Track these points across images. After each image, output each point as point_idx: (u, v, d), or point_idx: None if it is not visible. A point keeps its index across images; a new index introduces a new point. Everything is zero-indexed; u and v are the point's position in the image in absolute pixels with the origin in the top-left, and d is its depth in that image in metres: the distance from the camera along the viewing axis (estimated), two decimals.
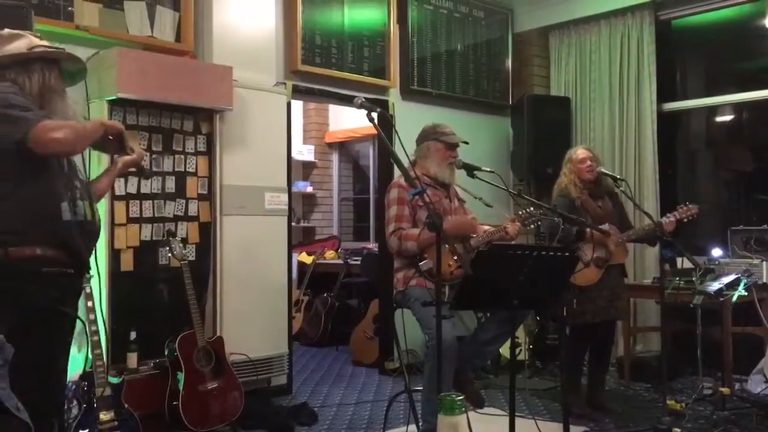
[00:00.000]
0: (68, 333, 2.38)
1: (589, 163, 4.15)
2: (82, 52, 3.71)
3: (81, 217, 2.34)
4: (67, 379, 2.52)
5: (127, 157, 2.58)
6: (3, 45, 2.40)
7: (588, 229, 3.93)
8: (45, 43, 2.46)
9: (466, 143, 3.71)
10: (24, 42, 2.39)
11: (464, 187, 3.82)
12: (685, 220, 4.02)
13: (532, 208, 3.63)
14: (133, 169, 2.68)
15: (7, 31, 2.44)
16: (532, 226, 3.69)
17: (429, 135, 3.70)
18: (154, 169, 3.84)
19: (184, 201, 4.07)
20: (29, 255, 2.20)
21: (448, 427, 1.08)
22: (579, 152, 4.22)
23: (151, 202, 3.89)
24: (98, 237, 2.48)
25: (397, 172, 3.77)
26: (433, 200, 3.45)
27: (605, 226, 3.94)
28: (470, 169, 3.60)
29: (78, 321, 2.49)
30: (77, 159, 2.50)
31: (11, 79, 2.34)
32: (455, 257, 3.45)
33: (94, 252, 2.48)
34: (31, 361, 2.04)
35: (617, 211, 4.31)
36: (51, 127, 2.19)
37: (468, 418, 1.57)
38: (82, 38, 3.79)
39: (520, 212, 3.65)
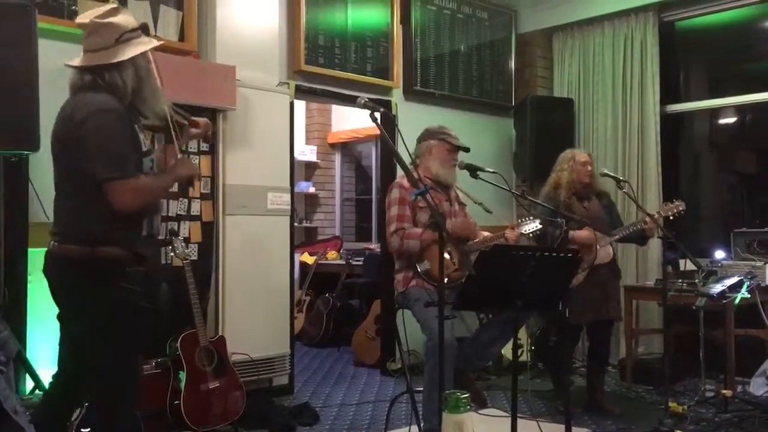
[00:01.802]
0: (146, 329, 2.54)
1: (589, 168, 4.19)
2: None
3: (154, 232, 2.52)
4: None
5: (194, 130, 2.74)
6: (90, 39, 2.42)
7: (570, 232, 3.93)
8: (129, 23, 2.45)
9: (468, 150, 3.71)
10: (110, 33, 2.40)
11: (465, 191, 3.82)
12: (671, 217, 4.02)
13: (531, 218, 3.64)
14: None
15: (90, 21, 2.42)
16: (531, 235, 3.69)
17: (434, 134, 3.70)
18: (155, 169, 3.84)
19: (186, 200, 4.08)
20: (114, 255, 2.35)
21: (453, 425, 1.07)
22: (582, 155, 4.25)
23: None
24: (160, 247, 2.65)
25: (399, 172, 3.77)
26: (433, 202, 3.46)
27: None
28: (473, 170, 3.59)
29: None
30: None
31: (104, 80, 2.39)
32: (454, 261, 3.45)
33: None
34: (123, 354, 2.40)
35: (608, 210, 4.31)
36: (128, 191, 2.31)
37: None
38: None
39: (519, 220, 3.66)
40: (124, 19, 2.45)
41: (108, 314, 2.37)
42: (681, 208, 4.02)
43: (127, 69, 2.42)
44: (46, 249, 2.49)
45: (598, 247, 4.02)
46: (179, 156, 2.72)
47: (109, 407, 2.46)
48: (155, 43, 2.53)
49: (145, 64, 2.47)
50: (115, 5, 2.50)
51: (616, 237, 4.16)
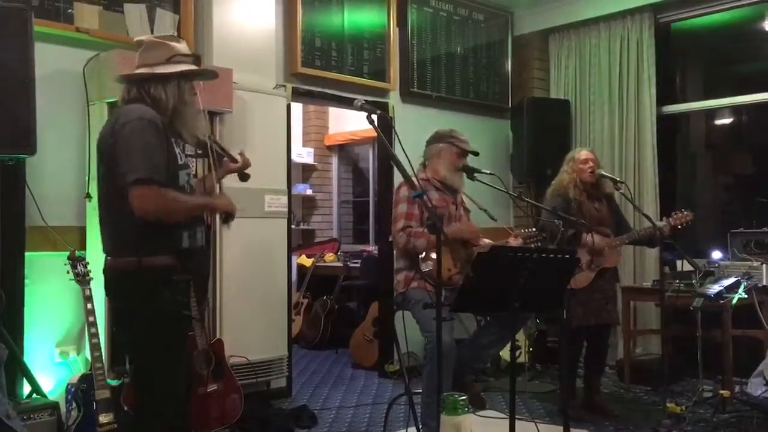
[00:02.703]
0: (187, 334, 2.68)
1: (590, 164, 4.16)
2: (81, 55, 3.74)
3: (197, 244, 2.56)
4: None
5: (232, 165, 2.86)
6: (144, 54, 2.54)
7: (584, 233, 3.93)
8: (183, 49, 2.58)
9: (477, 154, 3.72)
10: (162, 52, 2.52)
11: (471, 197, 3.83)
12: (679, 226, 4.02)
13: (534, 229, 3.65)
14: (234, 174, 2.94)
15: (148, 38, 2.59)
16: (533, 246, 3.69)
17: (443, 138, 3.71)
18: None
19: None
20: (158, 265, 2.41)
21: (451, 427, 1.07)
22: (582, 153, 4.24)
23: None
24: (210, 261, 2.75)
25: (397, 174, 3.77)
26: (440, 205, 3.47)
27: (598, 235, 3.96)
28: (470, 171, 3.61)
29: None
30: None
31: (149, 93, 2.49)
32: (456, 263, 3.45)
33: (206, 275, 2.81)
34: (166, 359, 2.46)
35: (614, 214, 4.32)
36: (148, 198, 2.33)
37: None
38: (82, 40, 3.79)
39: (523, 230, 3.67)
40: (180, 46, 2.58)
41: (153, 323, 2.44)
42: (689, 218, 4.02)
43: (170, 85, 2.51)
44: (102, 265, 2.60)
45: (608, 249, 4.02)
46: (216, 185, 2.90)
47: (146, 413, 2.51)
48: (203, 70, 2.66)
49: (189, 89, 2.57)
50: (175, 34, 2.68)
51: (627, 241, 4.17)
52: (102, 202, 2.54)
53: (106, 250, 2.51)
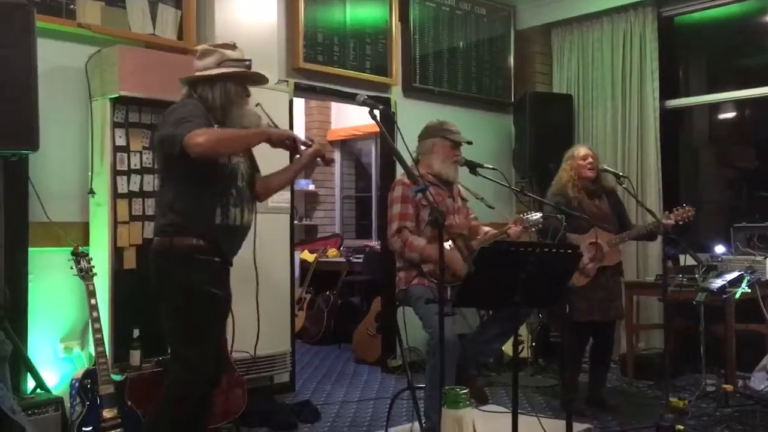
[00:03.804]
0: (219, 311, 2.81)
1: (590, 160, 4.16)
2: (84, 50, 3.74)
3: (230, 221, 2.75)
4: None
5: (309, 150, 2.93)
6: (195, 61, 2.84)
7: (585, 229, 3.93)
8: (233, 54, 2.83)
9: (470, 143, 3.70)
10: (214, 58, 2.80)
11: (467, 187, 3.81)
12: (681, 222, 4.02)
13: (533, 212, 3.63)
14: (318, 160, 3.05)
15: (202, 47, 2.89)
16: (533, 230, 3.68)
17: (435, 132, 3.67)
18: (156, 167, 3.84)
19: None
20: (188, 244, 2.67)
21: (453, 420, 1.08)
22: (581, 150, 4.23)
23: (153, 200, 3.89)
24: (244, 238, 2.91)
25: (399, 169, 3.76)
26: (436, 199, 3.46)
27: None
28: (473, 166, 3.59)
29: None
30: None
31: (198, 94, 2.77)
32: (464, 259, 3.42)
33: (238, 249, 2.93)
34: (194, 334, 2.69)
35: (616, 210, 4.31)
36: (196, 134, 2.52)
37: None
38: (84, 36, 3.79)
39: (522, 216, 3.65)
40: (232, 52, 2.84)
41: (180, 299, 2.68)
42: (691, 213, 4.01)
43: (217, 86, 2.77)
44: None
45: (608, 248, 4.02)
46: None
47: (172, 381, 2.75)
48: (250, 73, 2.87)
49: (236, 90, 2.81)
50: (232, 42, 2.90)
51: (627, 238, 4.17)
52: (159, 193, 2.88)
53: (154, 228, 2.82)
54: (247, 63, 2.87)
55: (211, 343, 2.77)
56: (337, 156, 8.32)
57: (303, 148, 2.93)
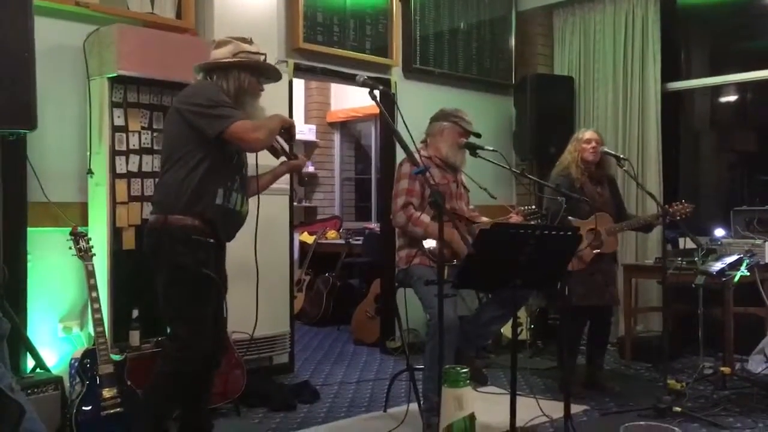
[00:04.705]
0: (211, 291, 2.82)
1: (594, 144, 4.16)
2: (82, 29, 3.71)
3: (231, 206, 2.84)
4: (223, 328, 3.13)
5: (294, 162, 3.09)
6: (212, 50, 2.93)
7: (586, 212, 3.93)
8: (249, 48, 2.91)
9: (479, 136, 3.70)
10: (229, 48, 2.88)
11: (470, 176, 3.81)
12: (678, 218, 4.02)
13: (534, 207, 3.64)
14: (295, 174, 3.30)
15: (220, 38, 2.97)
16: (533, 222, 3.68)
17: (448, 116, 3.68)
18: (155, 147, 3.82)
19: None
20: (183, 224, 2.73)
21: (453, 399, 1.07)
22: (587, 133, 4.24)
23: (152, 180, 3.88)
24: (241, 225, 2.99)
25: (399, 151, 3.75)
26: (441, 183, 3.46)
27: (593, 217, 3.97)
28: (473, 148, 3.59)
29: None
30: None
31: (215, 80, 2.86)
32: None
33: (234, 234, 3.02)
34: (186, 312, 2.75)
35: (615, 199, 4.32)
36: (251, 128, 2.74)
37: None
38: (83, 15, 3.76)
39: (523, 207, 3.66)
40: (249, 46, 2.92)
41: (173, 277, 2.74)
42: (688, 210, 4.01)
43: (231, 74, 2.85)
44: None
45: (606, 236, 4.03)
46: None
47: (167, 358, 2.82)
48: (264, 65, 2.97)
49: (250, 82, 2.89)
50: (249, 38, 2.97)
51: (626, 228, 4.20)
52: (162, 167, 2.90)
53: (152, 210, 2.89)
54: (263, 56, 2.95)
55: (204, 322, 2.80)
56: (336, 138, 8.30)
57: (294, 161, 3.10)
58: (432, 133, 3.69)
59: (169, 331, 2.94)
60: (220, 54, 2.88)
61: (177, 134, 2.82)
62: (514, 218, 3.55)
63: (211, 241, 2.79)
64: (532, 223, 3.65)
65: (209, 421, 3.16)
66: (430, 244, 3.41)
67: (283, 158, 3.10)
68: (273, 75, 3.05)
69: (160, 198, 2.82)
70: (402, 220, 3.48)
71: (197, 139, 2.75)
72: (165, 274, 2.77)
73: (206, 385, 3.03)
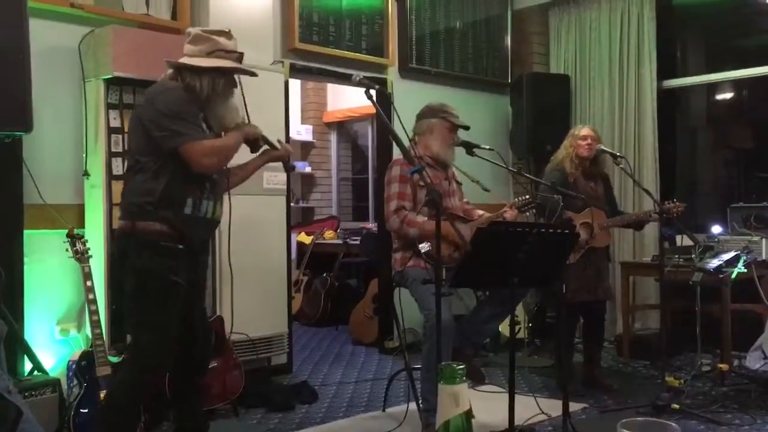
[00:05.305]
0: (177, 299, 2.69)
1: (589, 141, 4.17)
2: (77, 31, 3.71)
3: (201, 214, 2.73)
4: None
5: (274, 152, 2.99)
6: (185, 43, 2.75)
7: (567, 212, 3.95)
8: (226, 44, 2.75)
9: (467, 128, 3.69)
10: (206, 46, 2.72)
11: (462, 170, 3.80)
12: (671, 215, 4.03)
13: (528, 196, 3.63)
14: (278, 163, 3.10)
15: (195, 30, 2.78)
16: (528, 213, 3.68)
17: (435, 112, 3.64)
18: None
19: None
20: (152, 230, 2.63)
21: (449, 396, 1.07)
22: (583, 129, 4.26)
23: None
24: (214, 230, 2.96)
25: (396, 151, 3.75)
26: (433, 181, 3.45)
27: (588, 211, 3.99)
28: (469, 147, 3.58)
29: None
30: None
31: (186, 81, 2.69)
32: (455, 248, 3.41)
33: (208, 241, 2.98)
34: (149, 319, 2.66)
35: (607, 195, 4.34)
36: (203, 152, 2.61)
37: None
38: (77, 16, 3.75)
39: (516, 199, 3.65)
40: (226, 41, 2.75)
41: (139, 283, 2.65)
42: (680, 209, 4.02)
43: (205, 77, 2.70)
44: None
45: (598, 230, 4.03)
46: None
47: (127, 363, 2.78)
48: (240, 66, 2.80)
49: (224, 81, 2.76)
50: (228, 30, 2.81)
51: (618, 224, 4.22)
52: (128, 171, 2.80)
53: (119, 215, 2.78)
54: (239, 55, 2.80)
55: (167, 331, 2.69)
56: (333, 138, 8.29)
57: (275, 151, 2.99)
58: (421, 131, 3.65)
59: (129, 339, 2.86)
60: (195, 51, 2.73)
61: (138, 140, 2.71)
62: (509, 212, 3.54)
63: (181, 247, 2.68)
64: (527, 213, 3.65)
65: (204, 422, 3.15)
66: (425, 247, 3.40)
67: (266, 147, 3.01)
68: (250, 74, 2.94)
69: (127, 204, 2.72)
70: (395, 224, 3.46)
71: (159, 146, 2.65)
72: (132, 279, 2.68)
73: (194, 389, 2.99)
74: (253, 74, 2.92)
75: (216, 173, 2.80)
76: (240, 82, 2.89)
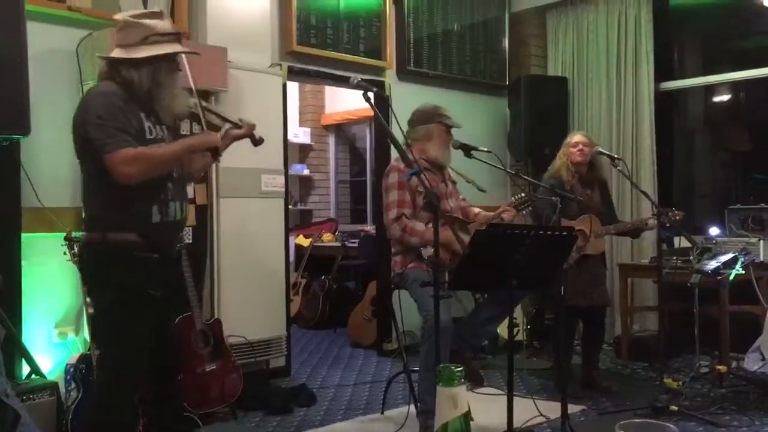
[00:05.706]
0: (149, 311, 2.52)
1: (580, 146, 4.21)
2: (75, 34, 3.71)
3: (170, 218, 2.54)
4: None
5: (235, 131, 2.74)
6: (119, 35, 2.48)
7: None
8: (160, 27, 2.48)
9: (459, 126, 3.70)
10: (138, 33, 2.45)
11: (457, 170, 3.80)
12: (668, 225, 4.04)
13: (524, 194, 3.63)
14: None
15: (123, 17, 2.50)
16: (524, 212, 3.68)
17: (432, 117, 3.62)
18: None
19: None
20: (123, 240, 2.44)
21: (447, 398, 1.07)
22: (575, 137, 4.31)
23: None
24: (182, 232, 2.73)
25: (394, 153, 3.75)
26: (431, 184, 3.45)
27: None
28: (467, 149, 3.57)
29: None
30: None
31: (122, 76, 2.45)
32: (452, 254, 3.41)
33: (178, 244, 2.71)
34: (125, 333, 2.46)
35: (605, 202, 4.35)
36: (122, 161, 2.34)
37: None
38: (75, 19, 3.75)
39: (513, 198, 3.65)
40: (158, 24, 2.49)
41: (109, 298, 2.48)
42: (678, 218, 4.03)
43: (143, 68, 2.46)
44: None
45: (593, 238, 4.04)
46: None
47: (100, 385, 2.55)
48: (180, 48, 2.54)
49: (166, 67, 2.51)
50: (158, 10, 2.56)
51: (613, 232, 4.25)
52: (83, 178, 2.63)
53: (83, 223, 2.61)
54: (176, 36, 2.55)
55: (138, 344, 2.51)
56: (331, 140, 8.29)
57: (228, 126, 2.75)
58: (418, 137, 3.61)
59: (98, 353, 2.70)
60: (127, 41, 2.45)
61: (84, 149, 2.48)
62: (508, 213, 3.54)
63: (156, 256, 2.50)
64: (523, 212, 3.65)
65: (189, 424, 3.09)
66: (429, 252, 3.39)
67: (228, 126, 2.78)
68: (190, 53, 2.71)
69: (92, 214, 2.53)
70: (397, 233, 3.45)
71: None
72: (104, 292, 2.51)
73: (173, 389, 2.81)
74: (195, 53, 2.75)
75: (175, 171, 2.58)
76: (185, 63, 2.66)
